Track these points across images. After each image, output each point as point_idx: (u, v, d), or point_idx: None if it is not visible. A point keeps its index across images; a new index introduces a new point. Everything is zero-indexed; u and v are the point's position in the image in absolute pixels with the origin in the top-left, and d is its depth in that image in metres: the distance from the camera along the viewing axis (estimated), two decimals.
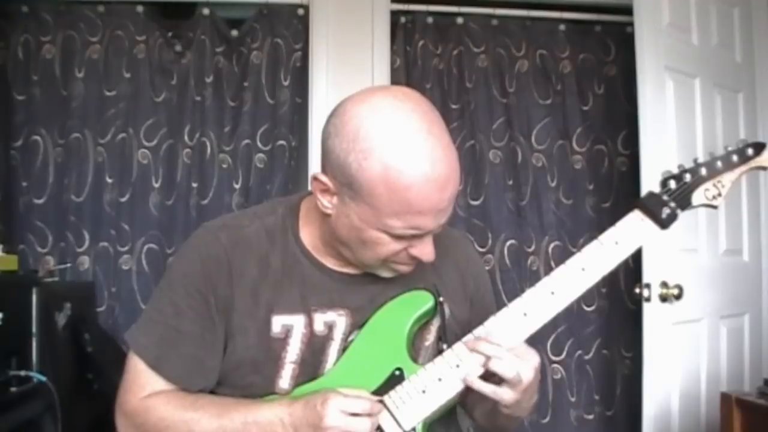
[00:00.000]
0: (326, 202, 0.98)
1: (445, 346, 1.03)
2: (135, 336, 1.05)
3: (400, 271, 1.03)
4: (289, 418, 0.95)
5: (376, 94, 0.96)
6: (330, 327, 1.04)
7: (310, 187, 1.04)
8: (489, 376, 0.98)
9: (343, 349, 1.04)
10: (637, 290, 2.03)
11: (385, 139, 0.89)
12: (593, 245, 1.04)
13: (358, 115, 0.92)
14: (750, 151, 1.08)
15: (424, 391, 0.99)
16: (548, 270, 2.62)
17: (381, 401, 0.99)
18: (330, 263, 1.07)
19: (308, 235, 1.07)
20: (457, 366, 1.00)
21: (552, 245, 2.73)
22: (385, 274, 1.04)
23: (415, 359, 1.04)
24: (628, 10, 2.22)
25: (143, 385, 1.02)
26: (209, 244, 1.05)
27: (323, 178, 0.96)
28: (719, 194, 1.07)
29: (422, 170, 0.89)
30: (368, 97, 0.95)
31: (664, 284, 2.01)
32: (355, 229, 0.96)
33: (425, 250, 0.98)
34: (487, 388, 0.97)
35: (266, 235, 1.06)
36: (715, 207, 1.07)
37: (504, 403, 0.98)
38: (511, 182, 2.73)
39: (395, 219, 0.92)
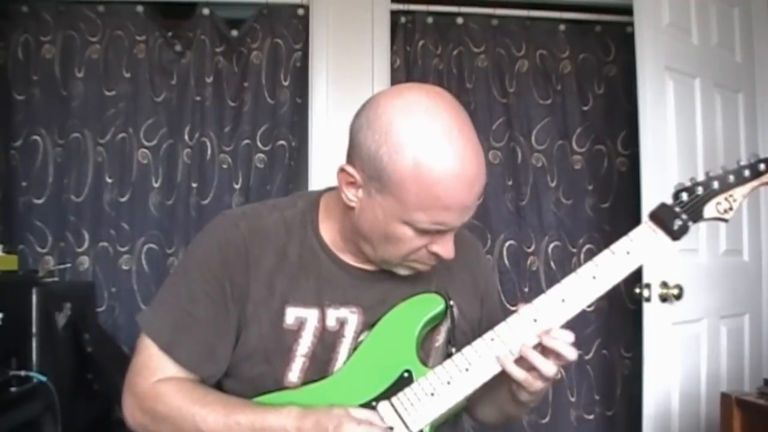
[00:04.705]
0: (351, 195, 0.99)
1: (453, 350, 1.03)
2: (148, 318, 1.05)
3: (417, 270, 1.04)
4: None
5: (410, 90, 0.98)
6: (341, 323, 1.05)
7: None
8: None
9: (354, 348, 1.04)
10: (638, 290, 2.03)
11: (418, 135, 0.91)
12: (605, 254, 1.04)
13: (392, 110, 0.93)
14: (762, 167, 1.08)
15: (432, 394, 1.00)
16: (548, 270, 2.68)
17: (391, 405, 0.99)
18: (348, 259, 1.08)
19: (328, 230, 1.08)
20: (467, 370, 1.00)
21: (551, 245, 2.72)
22: (403, 272, 1.05)
23: (424, 361, 1.05)
24: (628, 10, 2.22)
25: (154, 368, 1.02)
26: (228, 231, 1.05)
27: (351, 169, 0.97)
28: (730, 208, 1.07)
29: (452, 167, 0.91)
30: (402, 93, 0.97)
31: (664, 284, 2.01)
32: (379, 223, 0.97)
33: (446, 248, 0.99)
34: (520, 374, 0.97)
35: (285, 227, 1.07)
36: (726, 221, 1.08)
37: (531, 390, 0.98)
38: (510, 182, 2.73)
39: (421, 213, 0.93)
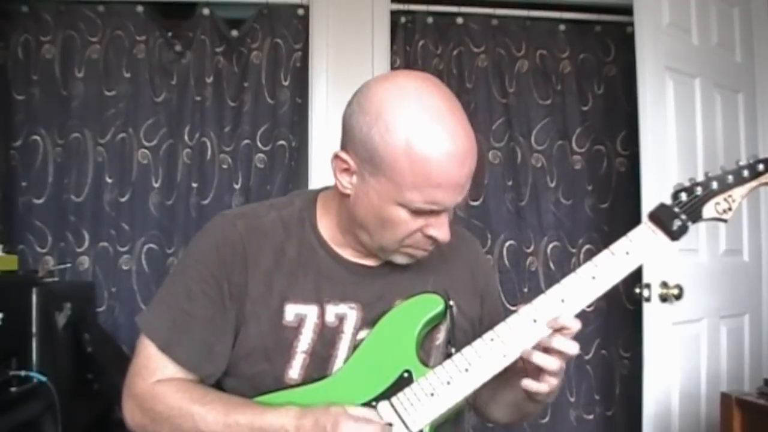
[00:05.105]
0: (345, 182, 1.00)
1: (453, 350, 1.03)
2: (146, 318, 1.05)
3: (415, 257, 1.04)
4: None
5: (400, 74, 1.03)
6: (341, 319, 1.05)
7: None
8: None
9: (354, 346, 1.04)
10: (637, 290, 2.03)
11: (409, 114, 0.93)
12: (604, 255, 1.04)
13: (382, 92, 0.96)
14: (761, 167, 1.08)
15: (432, 394, 1.00)
16: (547, 270, 2.69)
17: (391, 405, 0.99)
18: (347, 254, 1.08)
19: (326, 226, 1.09)
20: (466, 370, 1.00)
21: (551, 246, 2.73)
22: (401, 259, 1.05)
23: (424, 361, 1.05)
24: (628, 10, 2.22)
25: (153, 369, 1.02)
26: (226, 230, 1.06)
27: (344, 155, 0.99)
28: (729, 208, 1.07)
29: (443, 144, 0.92)
30: (391, 77, 1.01)
31: (664, 284, 2.01)
32: (375, 207, 0.98)
33: (442, 230, 1.00)
34: (545, 360, 0.97)
35: (282, 226, 1.08)
36: (725, 221, 1.08)
37: (549, 388, 0.99)
38: (510, 183, 2.73)
39: (415, 192, 0.94)
